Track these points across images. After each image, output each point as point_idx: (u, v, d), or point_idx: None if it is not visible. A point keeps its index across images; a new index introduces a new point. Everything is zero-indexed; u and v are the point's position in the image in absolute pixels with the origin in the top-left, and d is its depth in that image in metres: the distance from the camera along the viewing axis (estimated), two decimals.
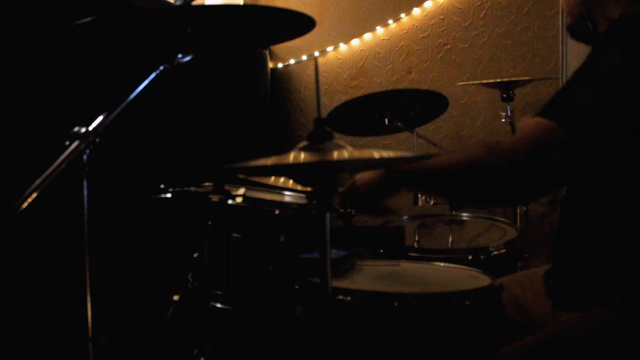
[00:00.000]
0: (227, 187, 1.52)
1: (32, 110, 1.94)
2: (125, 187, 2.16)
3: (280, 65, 3.53)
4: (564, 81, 3.05)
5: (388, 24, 3.34)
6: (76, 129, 1.15)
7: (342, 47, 3.43)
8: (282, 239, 1.54)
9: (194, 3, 1.21)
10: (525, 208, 2.74)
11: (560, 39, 3.06)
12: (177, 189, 1.52)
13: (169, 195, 1.53)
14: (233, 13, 1.31)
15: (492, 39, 3.18)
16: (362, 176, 1.51)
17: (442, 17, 3.25)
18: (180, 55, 1.30)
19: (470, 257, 1.90)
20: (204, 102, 2.70)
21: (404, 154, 1.04)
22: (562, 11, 3.02)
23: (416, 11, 3.29)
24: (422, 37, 3.29)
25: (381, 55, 3.37)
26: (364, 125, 2.77)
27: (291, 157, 0.96)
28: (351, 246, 1.57)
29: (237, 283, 1.57)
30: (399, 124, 2.62)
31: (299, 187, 1.76)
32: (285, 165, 1.01)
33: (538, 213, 3.03)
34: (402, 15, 3.31)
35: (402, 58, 3.34)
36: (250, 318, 1.54)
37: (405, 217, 2.43)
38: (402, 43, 3.33)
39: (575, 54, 3.00)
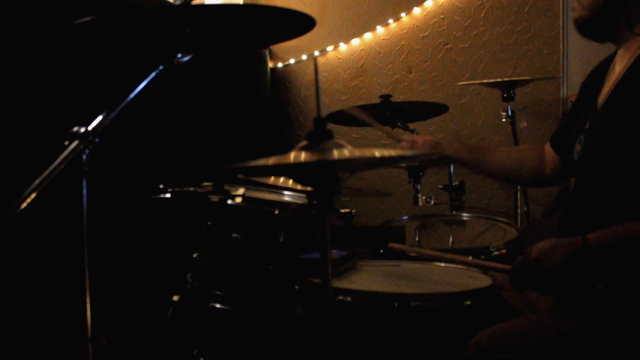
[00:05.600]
0: (226, 187, 1.52)
1: (32, 110, 1.93)
2: (125, 187, 2.16)
3: (280, 65, 3.53)
4: (565, 81, 3.04)
5: (388, 24, 3.34)
6: (75, 129, 1.15)
7: (342, 46, 3.42)
8: (282, 239, 1.54)
9: (193, 2, 1.20)
10: (526, 208, 2.73)
11: (561, 39, 3.05)
12: (176, 189, 1.52)
13: (168, 195, 1.52)
14: (233, 12, 1.30)
15: (492, 39, 3.17)
16: (543, 250, 1.35)
17: (442, 16, 3.25)
18: (179, 55, 1.29)
19: (470, 258, 1.90)
20: (204, 102, 2.70)
21: (404, 152, 1.03)
22: (565, 7, 3.01)
23: (416, 10, 3.29)
24: (422, 36, 3.29)
25: (381, 55, 3.37)
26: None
27: (291, 156, 0.96)
28: (351, 246, 1.57)
29: (237, 283, 1.57)
30: (399, 123, 2.62)
31: (299, 187, 1.76)
32: (286, 165, 1.00)
33: (539, 213, 3.03)
34: (403, 14, 3.31)
35: (402, 58, 3.33)
36: (250, 318, 1.53)
37: (406, 217, 2.43)
38: (403, 42, 3.33)
39: (576, 53, 3.00)
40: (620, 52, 1.55)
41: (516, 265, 1.40)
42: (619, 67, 1.52)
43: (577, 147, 1.52)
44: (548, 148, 1.81)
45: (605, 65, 1.61)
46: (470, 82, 3.08)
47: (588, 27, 1.53)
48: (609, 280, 1.37)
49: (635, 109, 1.38)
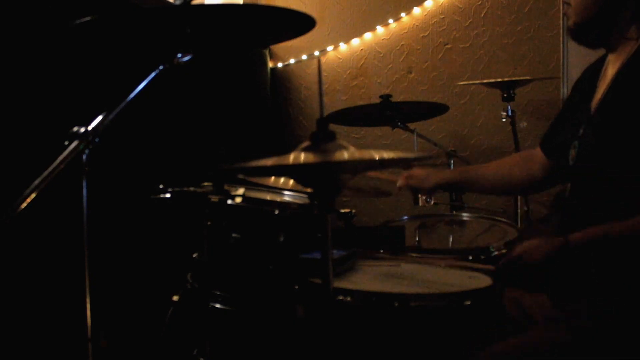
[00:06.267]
0: (226, 187, 1.51)
1: (32, 110, 1.93)
2: (125, 187, 2.16)
3: (280, 65, 3.53)
4: (565, 81, 3.04)
5: (388, 24, 3.34)
6: (75, 128, 1.15)
7: (342, 46, 3.42)
8: (281, 239, 1.54)
9: (193, 2, 1.20)
10: (526, 208, 2.73)
11: (561, 39, 3.05)
12: (176, 189, 1.52)
13: (168, 195, 1.52)
14: (232, 12, 1.30)
15: (492, 39, 3.17)
16: (527, 247, 1.44)
17: (442, 16, 3.25)
18: (179, 55, 1.29)
19: (470, 258, 1.90)
20: (204, 102, 2.70)
21: (404, 155, 1.03)
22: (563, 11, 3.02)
23: (416, 10, 3.29)
24: (422, 36, 3.29)
25: (381, 55, 3.36)
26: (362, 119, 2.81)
27: (291, 158, 0.96)
28: (351, 246, 1.57)
29: (237, 283, 1.57)
30: (399, 123, 2.63)
31: (300, 187, 1.76)
32: (287, 167, 1.00)
33: (539, 213, 3.03)
34: (403, 14, 3.31)
35: (402, 58, 3.33)
36: (250, 318, 1.53)
37: (406, 217, 2.43)
38: (403, 42, 3.32)
39: (576, 53, 3.00)
40: (611, 56, 1.54)
41: (502, 262, 1.48)
42: (610, 71, 1.52)
43: (572, 152, 1.52)
44: (538, 152, 1.81)
45: (598, 68, 1.60)
46: (470, 82, 3.08)
47: (583, 33, 1.52)
48: (590, 274, 1.43)
49: (627, 114, 1.38)
